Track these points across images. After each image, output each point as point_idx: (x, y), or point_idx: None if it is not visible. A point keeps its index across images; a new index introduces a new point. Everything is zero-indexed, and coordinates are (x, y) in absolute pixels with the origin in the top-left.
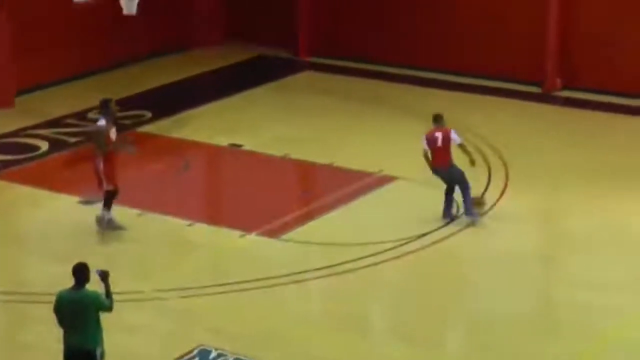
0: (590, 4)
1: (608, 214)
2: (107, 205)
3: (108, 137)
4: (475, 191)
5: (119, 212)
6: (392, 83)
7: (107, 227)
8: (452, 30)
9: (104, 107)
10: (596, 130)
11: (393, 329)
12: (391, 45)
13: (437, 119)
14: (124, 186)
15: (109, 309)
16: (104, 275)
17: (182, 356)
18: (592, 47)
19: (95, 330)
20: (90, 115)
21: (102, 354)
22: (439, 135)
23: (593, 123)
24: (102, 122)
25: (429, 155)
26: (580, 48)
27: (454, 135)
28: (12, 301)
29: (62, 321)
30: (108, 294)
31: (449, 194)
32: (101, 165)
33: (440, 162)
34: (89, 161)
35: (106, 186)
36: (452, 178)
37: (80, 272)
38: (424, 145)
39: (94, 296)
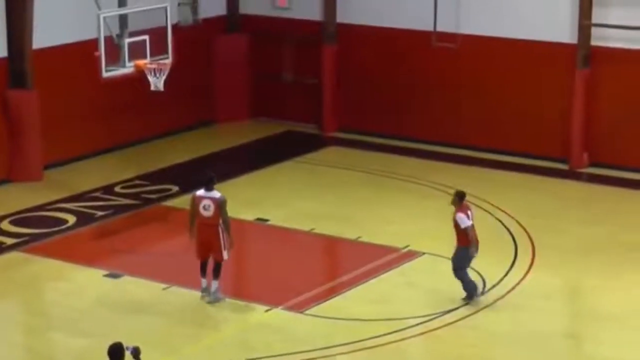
0: (615, 81)
1: (635, 292)
2: (217, 275)
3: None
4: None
5: (145, 286)
6: (419, 159)
7: (215, 298)
8: (478, 107)
9: (210, 182)
10: (622, 207)
11: None
12: (419, 122)
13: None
14: (150, 260)
15: None
16: (136, 353)
17: None
18: (618, 124)
19: None
20: (117, 189)
21: None
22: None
23: (619, 200)
24: (222, 195)
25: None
26: (606, 125)
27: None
28: None
29: None
30: None
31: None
32: (223, 234)
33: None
34: (115, 235)
35: (226, 255)
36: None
37: (115, 353)
38: (467, 222)
39: None
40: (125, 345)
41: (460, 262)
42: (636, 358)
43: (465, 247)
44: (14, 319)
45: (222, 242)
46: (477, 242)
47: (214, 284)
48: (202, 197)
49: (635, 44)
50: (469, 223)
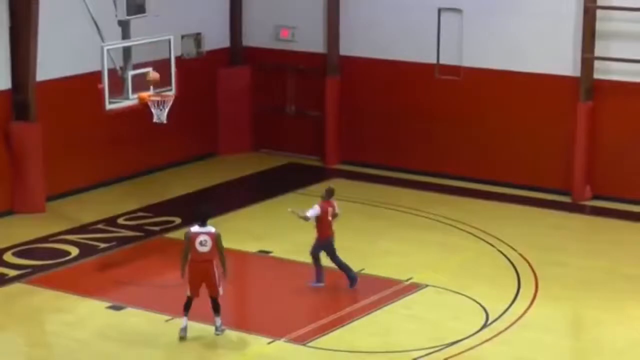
0: (617, 114)
1: (637, 325)
2: (218, 310)
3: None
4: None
5: (148, 317)
6: (421, 191)
7: (221, 331)
8: (481, 140)
9: (206, 218)
10: (625, 240)
11: None
12: (421, 154)
13: (330, 193)
14: (153, 292)
15: None
16: None
17: None
18: (621, 157)
19: None
20: (120, 221)
21: None
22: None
23: (622, 232)
24: (215, 229)
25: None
26: (609, 157)
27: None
28: None
29: None
30: None
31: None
32: (216, 270)
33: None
34: (118, 266)
35: (221, 290)
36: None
37: None
38: (314, 212)
39: None
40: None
41: (314, 250)
42: None
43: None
44: (15, 350)
45: (217, 278)
46: (326, 233)
47: (218, 320)
48: (198, 233)
49: (638, 77)
50: (316, 212)
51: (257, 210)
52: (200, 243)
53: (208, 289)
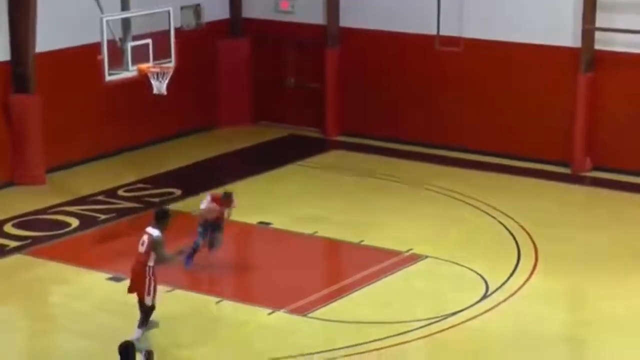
0: (618, 86)
1: (637, 294)
2: (141, 321)
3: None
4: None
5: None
6: (421, 163)
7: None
8: (481, 111)
9: (161, 218)
10: (625, 212)
11: None
12: (421, 125)
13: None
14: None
15: None
16: (149, 357)
17: None
18: (621, 128)
19: None
20: (120, 192)
21: None
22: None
23: (622, 204)
24: (158, 234)
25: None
26: (609, 129)
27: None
28: None
29: None
30: None
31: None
32: (152, 276)
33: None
34: (118, 238)
35: (151, 301)
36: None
37: (126, 351)
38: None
39: None
40: (141, 350)
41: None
42: None
43: None
44: (16, 321)
45: (146, 284)
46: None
47: (137, 332)
48: (144, 232)
49: (639, 48)
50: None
51: (257, 182)
52: (141, 242)
53: (136, 291)
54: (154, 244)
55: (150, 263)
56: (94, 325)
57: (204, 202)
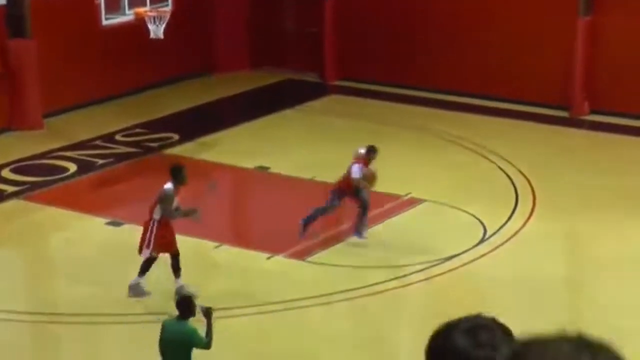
0: (616, 29)
1: (634, 239)
2: (144, 272)
3: (172, 203)
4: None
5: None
6: (419, 107)
7: (133, 293)
8: (480, 55)
9: (174, 173)
10: (623, 154)
11: (416, 352)
12: (419, 69)
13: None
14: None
15: (205, 346)
16: (206, 312)
17: None
18: (620, 72)
19: None
20: (118, 137)
21: None
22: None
23: (620, 147)
24: (169, 187)
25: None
26: (607, 72)
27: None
28: (40, 322)
29: (160, 346)
30: (208, 331)
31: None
32: (155, 232)
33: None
34: (116, 183)
35: (148, 253)
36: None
37: (186, 305)
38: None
39: (192, 332)
40: (199, 305)
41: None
42: (633, 303)
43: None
44: (15, 266)
45: (147, 235)
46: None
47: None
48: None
49: None
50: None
51: (255, 126)
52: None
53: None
54: (160, 197)
55: (156, 216)
56: (93, 269)
57: (354, 170)
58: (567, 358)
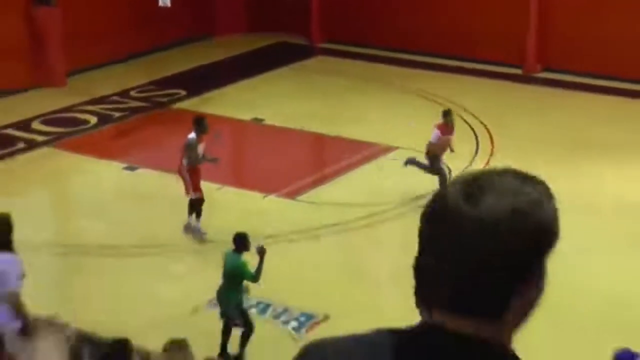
0: None
1: (585, 179)
2: (191, 212)
3: (196, 150)
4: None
5: (157, 176)
6: (394, 66)
7: (194, 234)
8: (445, 19)
9: (197, 123)
10: (572, 108)
11: (392, 278)
12: (392, 32)
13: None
14: (162, 154)
15: (252, 279)
16: (260, 251)
17: (212, 299)
18: (570, 32)
19: (233, 292)
20: (132, 93)
21: (238, 311)
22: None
23: (568, 99)
24: (193, 136)
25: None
26: (559, 32)
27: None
28: (68, 252)
29: (222, 273)
30: (259, 267)
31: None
32: (187, 176)
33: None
34: (131, 133)
35: (193, 195)
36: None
37: (240, 240)
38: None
39: (242, 265)
40: (256, 245)
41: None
42: (585, 242)
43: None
44: (46, 204)
45: (184, 182)
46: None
47: (195, 222)
48: None
49: None
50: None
51: (251, 84)
52: None
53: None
54: (185, 146)
55: (184, 162)
56: (112, 208)
57: (432, 135)
58: (515, 187)
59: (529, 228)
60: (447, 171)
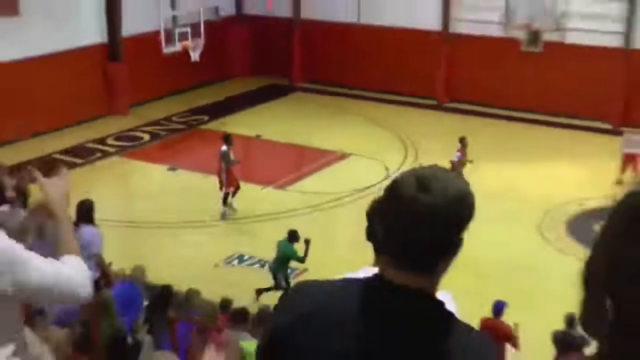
0: (468, 52)
1: (480, 174)
2: (225, 203)
3: (229, 157)
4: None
5: (191, 175)
6: (352, 99)
7: (228, 215)
8: (383, 66)
9: (225, 139)
10: (472, 128)
11: (349, 243)
12: (351, 75)
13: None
14: (194, 159)
15: (301, 260)
16: (306, 241)
17: (228, 257)
18: (471, 72)
19: (283, 267)
20: (173, 119)
21: (284, 278)
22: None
23: (469, 123)
24: (225, 148)
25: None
26: (462, 72)
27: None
28: (128, 226)
29: (275, 258)
30: (306, 253)
31: None
32: (224, 175)
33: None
34: (173, 146)
35: (225, 189)
36: None
37: (292, 234)
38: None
39: (294, 253)
40: (304, 238)
41: None
42: (492, 235)
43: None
44: (114, 195)
45: (220, 180)
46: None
47: (223, 209)
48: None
49: (481, 30)
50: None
51: (253, 111)
52: None
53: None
54: (221, 156)
55: (223, 166)
56: (161, 197)
57: (455, 156)
58: (451, 179)
59: (464, 209)
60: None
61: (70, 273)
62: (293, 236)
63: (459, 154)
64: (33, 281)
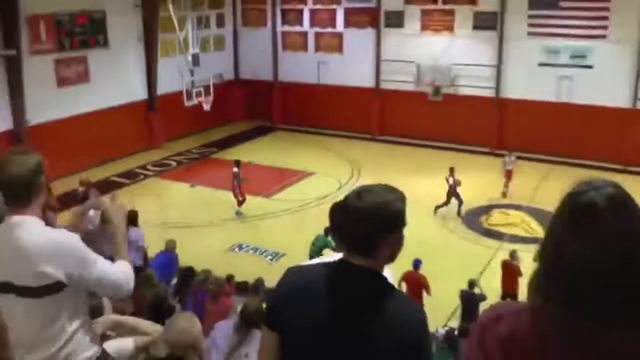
0: (391, 99)
1: (425, 188)
2: (240, 207)
3: (239, 177)
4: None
5: (207, 191)
6: (319, 136)
7: (238, 215)
8: (338, 110)
9: (236, 163)
10: (397, 153)
11: (314, 234)
12: (319, 118)
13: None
14: (209, 178)
15: (333, 249)
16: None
17: (231, 246)
18: (396, 114)
19: (318, 255)
20: (193, 150)
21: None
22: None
23: (397, 151)
24: (236, 170)
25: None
26: (390, 115)
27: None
28: (163, 227)
29: (314, 245)
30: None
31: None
32: (237, 190)
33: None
34: (192, 170)
35: (241, 198)
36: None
37: (327, 229)
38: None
39: (328, 241)
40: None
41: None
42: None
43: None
44: (151, 205)
45: (236, 193)
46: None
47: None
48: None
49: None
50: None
51: (247, 145)
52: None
53: (235, 197)
54: (233, 176)
55: (235, 183)
56: (184, 207)
57: (451, 179)
58: (382, 192)
59: (389, 213)
60: (462, 198)
61: (119, 276)
62: (328, 231)
63: (451, 178)
64: (93, 277)
